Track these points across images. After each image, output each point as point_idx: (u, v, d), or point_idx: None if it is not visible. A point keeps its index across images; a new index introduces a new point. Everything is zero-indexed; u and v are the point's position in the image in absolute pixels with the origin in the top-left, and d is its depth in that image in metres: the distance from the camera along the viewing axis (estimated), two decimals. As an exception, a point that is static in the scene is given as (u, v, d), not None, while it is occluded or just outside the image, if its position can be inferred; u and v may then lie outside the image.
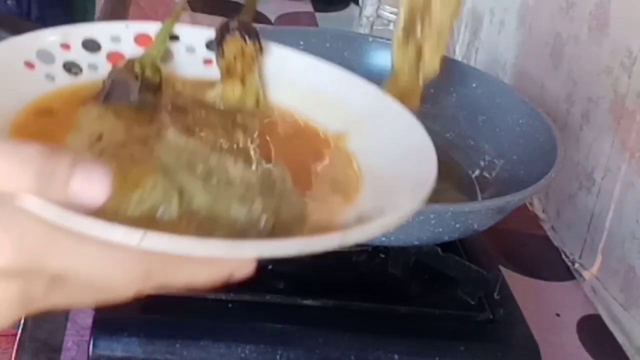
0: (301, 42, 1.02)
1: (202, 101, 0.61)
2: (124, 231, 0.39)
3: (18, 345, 0.75)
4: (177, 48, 0.63)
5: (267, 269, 0.80)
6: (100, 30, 0.60)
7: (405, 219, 0.46)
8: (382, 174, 0.56)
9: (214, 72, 0.63)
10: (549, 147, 0.84)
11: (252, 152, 0.56)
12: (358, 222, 0.48)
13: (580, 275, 1.00)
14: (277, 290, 0.77)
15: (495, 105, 0.96)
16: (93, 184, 0.39)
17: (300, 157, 0.58)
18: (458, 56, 1.46)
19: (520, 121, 0.92)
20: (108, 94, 0.57)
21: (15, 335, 0.77)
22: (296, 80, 0.65)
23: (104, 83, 0.58)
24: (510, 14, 1.27)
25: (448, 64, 1.02)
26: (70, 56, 0.58)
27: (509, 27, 1.27)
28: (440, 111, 1.00)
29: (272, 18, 1.61)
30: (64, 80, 0.57)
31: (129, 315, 0.71)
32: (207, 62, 0.64)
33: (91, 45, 0.59)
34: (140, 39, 0.61)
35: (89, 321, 0.74)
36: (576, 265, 1.02)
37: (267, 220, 0.47)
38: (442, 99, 1.00)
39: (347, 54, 1.03)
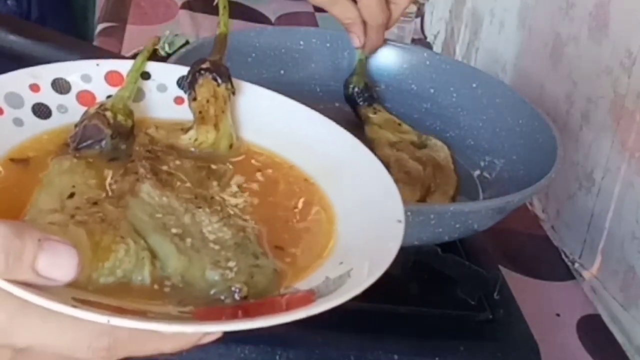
0: (301, 42, 1.02)
1: (176, 147, 0.60)
2: (91, 315, 0.40)
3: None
4: (148, 86, 0.62)
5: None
6: (70, 69, 0.59)
7: (365, 287, 0.47)
8: (349, 228, 0.55)
9: (184, 110, 0.62)
10: (548, 147, 0.84)
11: (226, 206, 0.55)
12: (326, 287, 0.48)
13: (580, 275, 1.00)
14: (277, 290, 0.77)
15: (495, 106, 0.96)
16: (59, 265, 0.41)
17: (276, 207, 0.57)
18: (458, 56, 1.46)
19: (520, 121, 0.92)
20: (80, 141, 0.56)
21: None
22: (269, 119, 0.64)
23: (76, 129, 0.57)
24: (510, 14, 1.27)
25: (448, 64, 1.02)
26: (39, 98, 0.57)
27: (509, 28, 1.27)
28: (440, 111, 1.00)
29: (272, 18, 1.61)
30: (33, 124, 0.56)
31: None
32: (178, 100, 0.63)
33: (61, 85, 0.58)
34: (111, 77, 0.60)
35: (89, 321, 0.74)
36: (576, 265, 1.02)
37: (240, 290, 0.48)
38: (442, 99, 1.00)
39: (347, 53, 1.03)
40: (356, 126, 0.95)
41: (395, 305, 0.78)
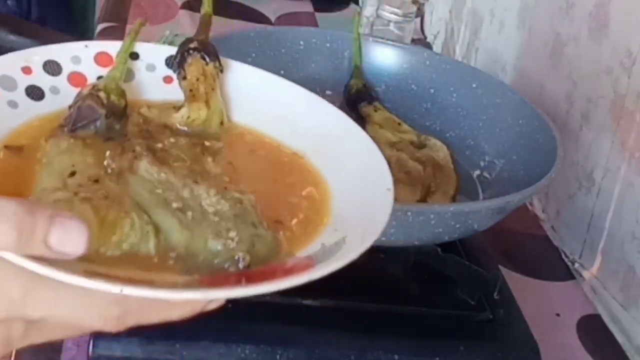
0: (301, 42, 1.02)
1: (169, 125, 0.61)
2: (104, 285, 0.41)
3: (18, 345, 0.75)
4: (137, 66, 0.63)
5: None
6: (60, 51, 0.60)
7: (360, 252, 0.49)
8: (343, 198, 0.56)
9: (174, 89, 0.64)
10: (548, 147, 0.84)
11: (222, 179, 0.56)
12: (323, 253, 0.50)
13: (580, 275, 1.00)
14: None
15: (495, 106, 0.96)
16: (70, 239, 0.42)
17: (268, 181, 0.59)
18: (458, 56, 1.46)
19: (520, 121, 0.92)
20: (75, 122, 0.57)
21: (16, 335, 0.77)
22: (257, 97, 0.65)
23: (70, 110, 0.58)
24: (510, 14, 1.27)
25: (448, 64, 1.02)
26: (31, 80, 0.58)
27: (509, 28, 1.27)
28: (440, 111, 1.00)
29: (272, 18, 1.61)
30: (27, 106, 0.57)
31: (129, 315, 0.72)
32: (167, 79, 0.64)
33: (52, 67, 0.59)
34: (100, 58, 0.61)
35: (89, 321, 0.74)
36: (576, 265, 1.02)
37: (243, 259, 0.49)
38: (442, 99, 1.00)
39: (347, 53, 1.03)
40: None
41: (395, 305, 0.78)
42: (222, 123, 0.63)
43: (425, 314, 0.79)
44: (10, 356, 0.75)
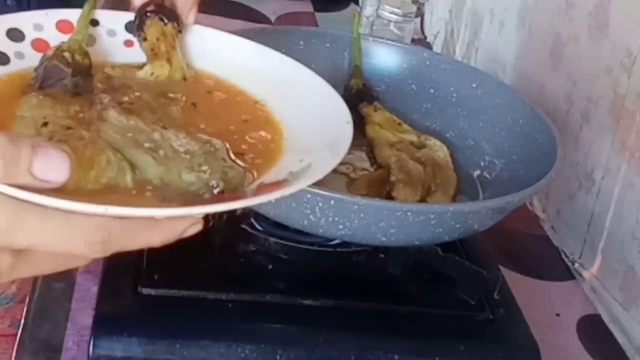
0: (301, 42, 1.02)
1: (133, 82, 0.65)
2: (88, 207, 0.44)
3: (18, 345, 0.75)
4: (98, 32, 0.67)
5: (267, 269, 0.80)
6: (22, 19, 0.63)
7: (328, 171, 0.55)
8: (302, 135, 0.62)
9: (135, 52, 0.68)
10: (548, 147, 0.84)
11: (189, 126, 0.60)
12: (292, 179, 0.55)
13: (580, 275, 1.00)
14: (277, 290, 0.77)
15: (495, 106, 0.96)
16: (53, 167, 0.44)
17: (229, 124, 0.63)
18: (458, 56, 1.46)
19: (520, 121, 0.92)
20: (42, 81, 0.60)
21: (15, 335, 0.77)
22: (217, 54, 0.70)
23: (37, 71, 0.61)
24: (510, 14, 1.27)
25: (448, 64, 1.02)
26: None
27: (509, 28, 1.27)
28: (440, 111, 1.00)
29: (272, 18, 1.61)
30: None
31: (129, 315, 0.72)
32: (128, 43, 0.68)
33: (15, 35, 0.62)
34: (62, 25, 0.65)
35: (89, 321, 0.74)
36: (576, 265, 1.02)
37: (217, 185, 0.53)
38: (442, 99, 1.00)
39: (347, 53, 1.03)
40: (356, 126, 0.95)
41: (395, 305, 0.78)
42: (184, 79, 0.68)
43: (425, 314, 0.79)
44: (13, 348, 0.75)
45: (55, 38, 0.64)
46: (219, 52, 0.71)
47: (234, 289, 0.75)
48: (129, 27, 0.68)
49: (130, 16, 0.68)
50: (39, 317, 0.77)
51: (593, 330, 0.93)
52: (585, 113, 1.02)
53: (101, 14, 0.67)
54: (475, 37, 1.41)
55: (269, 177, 0.56)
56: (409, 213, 0.71)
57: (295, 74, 0.69)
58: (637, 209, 0.90)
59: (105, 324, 0.70)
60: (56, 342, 0.74)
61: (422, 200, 0.84)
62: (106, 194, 0.49)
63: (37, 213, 0.43)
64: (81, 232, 0.45)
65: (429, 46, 1.59)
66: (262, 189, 0.54)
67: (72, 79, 0.61)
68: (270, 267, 0.80)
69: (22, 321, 0.77)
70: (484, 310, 0.79)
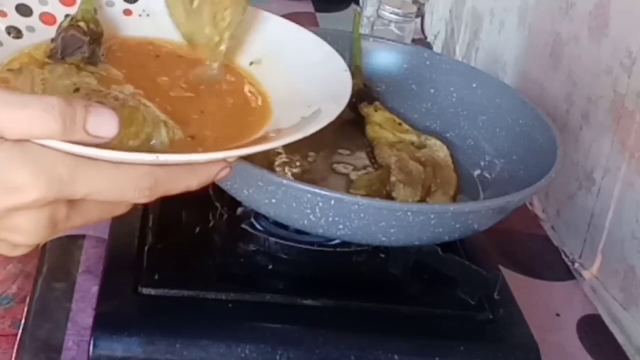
0: (301, 42, 1.02)
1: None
2: (141, 156, 0.49)
3: (18, 345, 0.75)
4: (98, 3, 0.70)
5: (267, 269, 0.80)
6: None
7: (338, 114, 0.61)
8: (306, 83, 0.67)
9: (134, 21, 0.71)
10: (548, 147, 0.84)
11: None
12: (306, 122, 0.60)
13: (580, 275, 1.00)
14: (277, 290, 0.77)
15: (495, 106, 0.96)
16: (104, 123, 0.48)
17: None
18: (458, 56, 1.46)
19: (520, 121, 0.92)
20: (62, 50, 0.63)
21: (16, 335, 0.77)
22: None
23: (55, 42, 0.64)
24: (510, 14, 1.27)
25: (448, 64, 1.02)
26: (9, 22, 0.64)
27: (509, 27, 1.27)
28: (440, 111, 1.00)
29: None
30: (11, 43, 0.64)
31: (129, 315, 0.72)
32: (127, 12, 0.71)
33: (24, 10, 0.66)
34: None
35: (89, 321, 0.74)
36: (576, 265, 1.02)
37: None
38: (442, 98, 1.00)
39: (347, 54, 1.03)
40: (356, 126, 0.95)
41: (395, 305, 0.78)
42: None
43: (425, 314, 0.79)
44: (13, 348, 0.76)
45: (59, 11, 0.67)
46: None
47: (234, 289, 0.75)
48: None
49: None
50: (39, 317, 0.77)
51: (593, 330, 0.93)
52: (585, 113, 1.02)
53: None
54: (476, 37, 1.41)
55: (281, 123, 0.62)
56: (409, 213, 0.71)
57: (286, 32, 0.74)
58: (637, 208, 0.91)
59: (106, 324, 0.70)
60: (56, 342, 0.75)
61: (422, 200, 0.84)
62: (146, 148, 0.54)
63: (92, 165, 0.48)
64: (132, 178, 0.50)
65: (429, 46, 1.59)
66: (279, 133, 0.59)
67: (89, 46, 0.64)
68: (270, 267, 0.80)
69: (23, 321, 0.77)
70: (484, 310, 0.79)
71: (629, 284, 0.91)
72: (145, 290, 0.73)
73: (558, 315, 0.94)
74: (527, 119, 0.91)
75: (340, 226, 0.72)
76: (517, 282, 0.89)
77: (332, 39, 1.02)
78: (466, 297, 0.79)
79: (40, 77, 0.60)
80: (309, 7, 1.69)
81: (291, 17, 1.66)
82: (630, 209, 0.92)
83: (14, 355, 0.74)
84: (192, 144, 0.57)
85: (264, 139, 0.59)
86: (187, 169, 0.52)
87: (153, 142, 0.54)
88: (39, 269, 0.83)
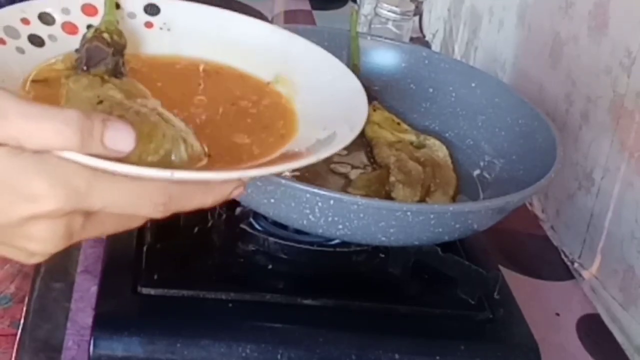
0: (300, 41, 1.02)
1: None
2: (156, 172, 0.50)
3: (18, 345, 0.75)
4: (120, 15, 0.69)
5: (267, 269, 0.80)
6: (50, 3, 0.66)
7: (352, 139, 0.59)
8: (323, 108, 0.66)
9: (155, 34, 0.71)
10: (548, 147, 0.84)
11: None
12: (321, 146, 0.59)
13: (580, 275, 1.00)
14: (277, 290, 0.77)
15: (494, 105, 0.96)
16: (121, 138, 0.49)
17: (243, 106, 0.68)
18: (457, 55, 1.46)
19: (520, 121, 0.92)
20: (87, 61, 0.63)
21: (15, 335, 0.77)
22: (222, 35, 0.73)
23: (79, 53, 0.64)
24: (509, 13, 1.27)
25: (447, 64, 1.02)
26: (31, 30, 0.64)
27: (508, 27, 1.27)
28: (439, 111, 1.00)
29: (270, 16, 1.60)
30: (33, 52, 0.63)
31: (129, 315, 0.72)
32: (148, 24, 0.71)
33: (46, 18, 0.65)
34: (87, 9, 0.68)
35: (89, 321, 0.74)
36: (575, 264, 1.02)
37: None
38: (441, 98, 1.00)
39: (345, 52, 1.03)
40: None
41: (395, 305, 0.78)
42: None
43: (425, 313, 0.79)
44: (13, 348, 0.75)
45: (81, 20, 0.67)
46: (224, 30, 0.73)
47: (234, 289, 0.75)
48: (147, 9, 0.71)
49: None
50: (39, 317, 0.77)
51: (592, 330, 0.93)
52: (584, 113, 1.02)
53: None
54: (474, 36, 1.40)
55: (297, 145, 0.61)
56: (409, 213, 0.71)
57: (303, 51, 0.72)
58: (636, 208, 0.91)
59: (105, 323, 0.70)
60: (56, 342, 0.74)
61: (422, 200, 0.84)
62: (164, 164, 0.54)
63: (109, 179, 0.49)
64: (147, 194, 0.50)
65: (427, 45, 1.59)
66: (298, 153, 0.59)
67: (113, 58, 0.64)
68: (270, 267, 0.80)
69: (22, 321, 0.77)
70: (483, 310, 0.79)
71: (628, 283, 0.92)
72: (145, 290, 0.73)
73: (558, 315, 0.94)
74: (526, 119, 0.91)
75: (340, 226, 0.72)
76: (517, 282, 0.89)
77: (329, 37, 1.03)
78: (466, 297, 0.79)
79: (65, 88, 0.61)
80: (306, 5, 1.69)
81: (288, 15, 1.67)
82: (629, 209, 0.92)
83: (13, 355, 0.74)
84: (210, 160, 0.57)
85: (280, 160, 0.59)
86: (202, 187, 0.53)
87: (172, 158, 0.55)
88: (36, 268, 0.83)
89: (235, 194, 0.54)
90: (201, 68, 0.71)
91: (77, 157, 0.48)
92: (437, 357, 0.74)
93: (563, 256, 1.04)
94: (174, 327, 0.71)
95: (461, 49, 1.46)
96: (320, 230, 0.73)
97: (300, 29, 1.04)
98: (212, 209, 0.81)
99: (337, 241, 0.81)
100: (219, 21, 0.73)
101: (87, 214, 0.50)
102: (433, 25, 1.61)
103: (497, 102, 0.96)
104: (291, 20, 1.61)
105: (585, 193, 1.01)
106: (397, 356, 0.73)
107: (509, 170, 0.90)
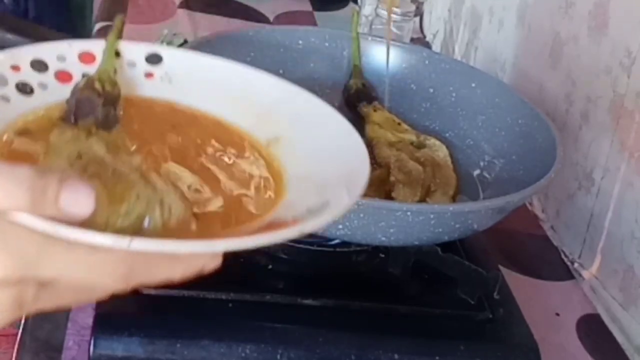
0: (300, 42, 1.02)
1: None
2: (113, 238, 0.44)
3: (19, 345, 0.75)
4: (119, 64, 0.65)
5: (267, 269, 0.80)
6: (46, 50, 0.62)
7: (347, 209, 0.52)
8: (319, 171, 0.60)
9: (155, 84, 0.66)
10: (548, 147, 0.84)
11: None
12: (310, 215, 0.53)
13: (580, 275, 1.00)
14: (277, 290, 0.77)
15: (494, 105, 0.96)
16: (79, 200, 0.44)
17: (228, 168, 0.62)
18: (457, 56, 1.46)
19: (520, 121, 0.93)
20: (75, 113, 0.59)
21: (16, 335, 0.77)
22: (225, 88, 0.67)
23: (68, 103, 0.60)
24: (509, 13, 1.27)
25: (447, 64, 1.02)
26: (21, 77, 0.60)
27: (508, 27, 1.27)
28: (439, 111, 1.00)
29: (271, 17, 1.61)
30: (19, 101, 0.59)
31: (129, 315, 0.72)
32: (148, 75, 0.66)
33: (39, 65, 0.61)
34: (84, 56, 0.64)
35: (89, 320, 0.74)
36: (575, 264, 1.02)
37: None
38: (442, 98, 1.00)
39: (346, 53, 1.03)
40: (355, 126, 0.95)
41: (395, 305, 0.78)
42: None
43: (425, 313, 0.79)
44: (13, 348, 0.75)
45: (77, 69, 0.63)
46: (230, 87, 0.68)
47: (234, 289, 0.75)
48: (149, 59, 0.67)
49: (151, 48, 0.67)
50: (39, 317, 0.77)
51: (592, 330, 0.93)
52: (584, 113, 1.02)
53: (123, 45, 0.66)
54: (475, 37, 1.41)
55: (283, 211, 0.55)
56: (409, 213, 0.71)
57: (307, 107, 0.66)
58: (636, 208, 0.91)
59: (106, 323, 0.70)
60: (57, 341, 0.74)
61: (422, 200, 0.84)
62: (136, 229, 0.49)
63: (63, 246, 0.44)
64: (106, 265, 0.45)
65: (428, 45, 1.59)
66: (281, 223, 0.53)
67: (103, 108, 0.61)
68: (270, 267, 0.80)
69: (22, 321, 0.77)
70: (483, 310, 0.79)
71: (628, 283, 0.92)
72: (146, 290, 0.73)
73: (558, 315, 0.94)
74: (526, 119, 0.92)
75: (340, 226, 0.72)
76: (516, 282, 0.89)
77: (330, 38, 1.04)
78: (466, 297, 0.79)
79: (47, 141, 0.57)
80: (307, 6, 1.69)
81: (290, 16, 1.67)
82: (629, 209, 0.92)
83: (14, 355, 0.74)
84: (200, 225, 0.52)
85: (261, 229, 0.53)
86: (169, 258, 0.48)
87: (145, 222, 0.50)
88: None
89: (210, 266, 0.49)
90: (202, 120, 0.66)
91: (26, 219, 0.43)
92: (437, 357, 0.74)
93: (563, 256, 1.04)
94: (174, 327, 0.71)
95: (461, 49, 1.46)
96: (321, 231, 0.73)
97: (302, 30, 1.05)
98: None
99: (337, 241, 0.81)
100: (223, 74, 0.68)
101: (42, 284, 0.45)
102: (433, 25, 1.61)
103: (497, 102, 0.96)
104: (292, 21, 1.61)
105: (585, 193, 1.01)
106: (396, 356, 0.73)
107: (509, 170, 0.90)
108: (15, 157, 0.54)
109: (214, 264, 0.49)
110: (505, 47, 1.27)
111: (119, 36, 0.66)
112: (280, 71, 1.01)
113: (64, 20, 1.79)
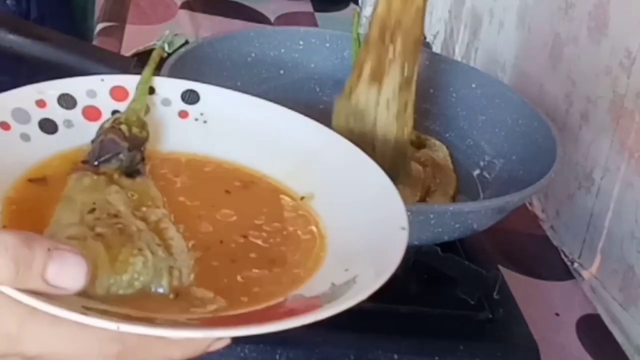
0: (301, 43, 1.02)
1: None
2: (100, 322, 0.40)
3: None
4: (153, 100, 0.62)
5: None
6: (76, 84, 0.59)
7: (369, 294, 0.48)
8: (350, 237, 0.54)
9: (189, 124, 0.62)
10: (548, 147, 0.84)
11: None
12: (332, 293, 0.49)
13: (580, 275, 1.00)
14: (277, 289, 0.77)
15: (494, 106, 0.96)
16: (68, 274, 0.41)
17: (264, 225, 0.57)
18: (457, 56, 1.46)
19: (520, 121, 0.93)
20: (98, 156, 0.56)
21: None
22: (262, 132, 0.63)
23: (93, 145, 0.57)
24: (509, 14, 1.27)
25: (447, 64, 1.02)
26: (45, 113, 0.57)
27: (508, 27, 1.27)
28: (439, 111, 1.00)
29: (272, 18, 1.61)
30: (40, 139, 0.56)
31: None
32: (182, 114, 0.62)
33: (67, 101, 0.58)
34: (116, 92, 0.60)
35: None
36: (575, 264, 1.02)
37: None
38: (442, 99, 1.00)
39: (346, 53, 1.03)
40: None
41: (395, 305, 0.78)
42: None
43: (425, 313, 0.79)
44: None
45: (107, 105, 0.59)
46: (266, 131, 0.63)
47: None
48: (185, 96, 0.63)
49: (187, 85, 0.63)
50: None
51: (592, 330, 0.93)
52: (584, 113, 1.02)
53: (157, 81, 0.62)
54: (475, 37, 1.41)
55: (306, 289, 0.50)
56: (409, 213, 0.71)
57: (348, 161, 0.60)
58: (636, 208, 0.91)
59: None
60: None
61: (422, 200, 0.84)
62: (139, 299, 0.46)
63: (49, 321, 0.41)
64: (95, 344, 0.42)
65: (428, 46, 1.59)
66: (293, 307, 0.48)
67: (129, 153, 0.56)
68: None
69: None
70: (483, 309, 0.79)
71: (628, 283, 0.92)
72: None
73: (557, 315, 0.94)
74: (526, 119, 0.92)
75: (340, 226, 0.72)
76: (516, 282, 0.89)
77: (331, 39, 1.04)
78: (466, 297, 0.79)
79: (61, 189, 0.52)
80: (308, 7, 1.69)
81: (290, 17, 1.67)
82: (629, 209, 0.92)
83: None
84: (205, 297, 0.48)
85: (277, 309, 0.48)
86: (165, 340, 0.44)
87: (152, 290, 0.46)
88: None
89: (217, 347, 0.45)
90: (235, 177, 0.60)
91: (9, 291, 0.40)
92: (437, 357, 0.74)
93: (563, 256, 1.04)
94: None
95: (462, 50, 1.46)
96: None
97: (303, 31, 1.05)
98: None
99: (337, 241, 0.81)
100: (261, 115, 0.63)
101: (28, 358, 0.42)
102: (434, 26, 1.61)
103: (497, 103, 0.96)
104: (293, 22, 1.61)
105: (585, 193, 1.01)
106: (396, 356, 0.73)
107: (509, 170, 0.90)
108: (25, 205, 0.51)
109: (221, 344, 0.46)
110: (505, 48, 1.27)
111: (156, 71, 0.62)
112: (281, 72, 1.02)
113: (66, 20, 1.79)
